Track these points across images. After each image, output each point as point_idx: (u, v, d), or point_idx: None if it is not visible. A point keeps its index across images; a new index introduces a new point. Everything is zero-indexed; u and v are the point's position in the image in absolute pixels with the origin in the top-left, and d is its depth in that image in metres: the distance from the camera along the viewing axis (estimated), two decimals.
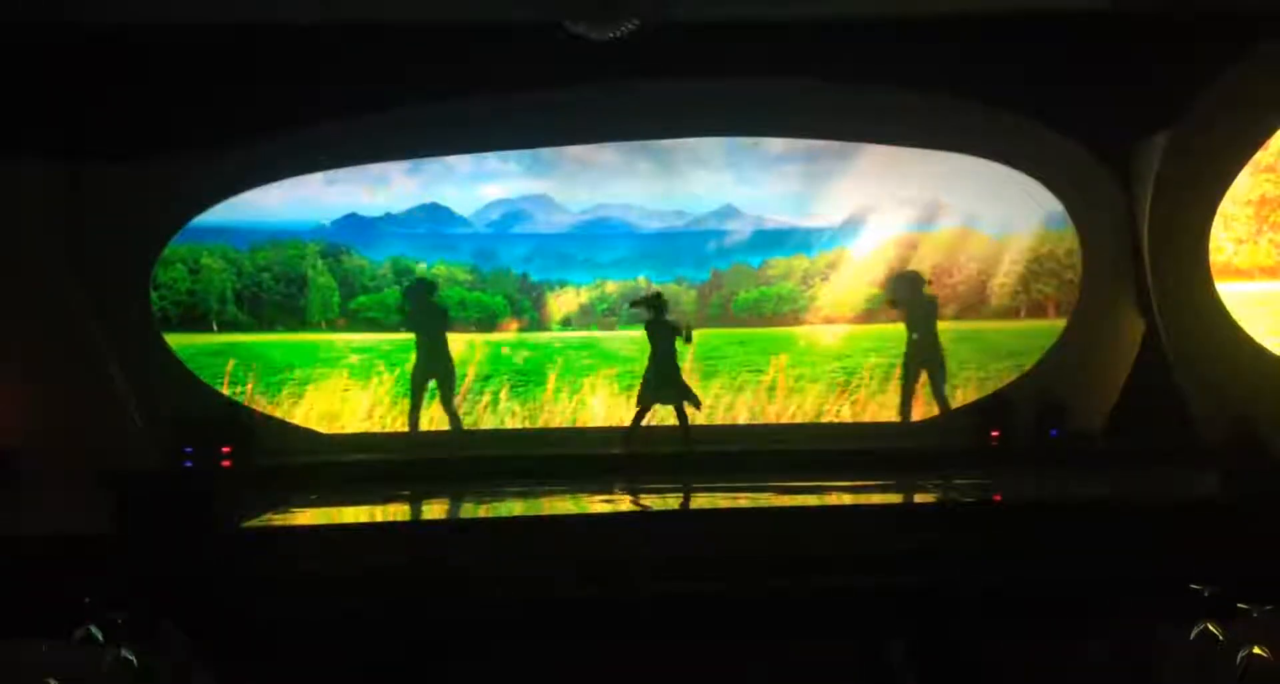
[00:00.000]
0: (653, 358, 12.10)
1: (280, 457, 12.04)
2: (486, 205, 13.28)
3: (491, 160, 13.11)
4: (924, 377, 13.10)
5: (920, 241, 13.26)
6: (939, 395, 13.03)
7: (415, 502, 10.65)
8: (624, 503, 10.33)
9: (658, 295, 12.32)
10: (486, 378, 13.08)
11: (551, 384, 13.10)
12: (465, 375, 13.01)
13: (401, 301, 12.94)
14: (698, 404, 12.28)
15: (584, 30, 10.21)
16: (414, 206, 13.11)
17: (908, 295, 13.08)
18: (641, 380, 12.23)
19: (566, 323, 13.27)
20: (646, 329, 12.18)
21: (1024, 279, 13.22)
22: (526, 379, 13.11)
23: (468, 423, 12.92)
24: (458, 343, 13.04)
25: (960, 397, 13.09)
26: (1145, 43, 11.30)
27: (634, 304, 12.47)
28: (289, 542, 8.58)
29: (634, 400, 12.29)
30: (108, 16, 10.77)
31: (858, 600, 7.50)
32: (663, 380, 12.08)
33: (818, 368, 13.23)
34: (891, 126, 12.45)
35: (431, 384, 12.83)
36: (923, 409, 13.11)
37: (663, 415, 12.37)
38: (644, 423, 12.20)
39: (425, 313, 12.93)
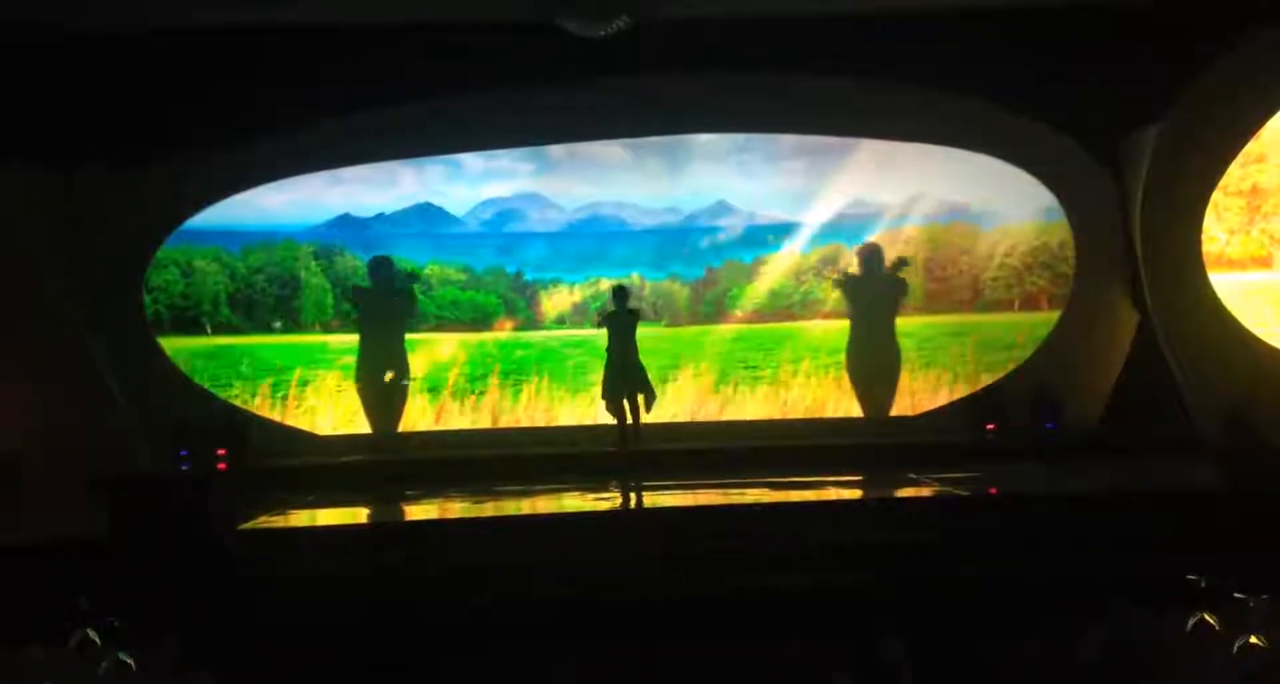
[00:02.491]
0: (613, 350, 12.11)
1: (275, 459, 12.03)
2: (479, 204, 13.28)
3: (484, 159, 13.10)
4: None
5: (913, 235, 13.26)
6: (887, 395, 12.98)
7: (411, 502, 10.64)
8: (619, 501, 10.33)
9: (620, 287, 12.31)
10: (480, 377, 13.08)
11: (545, 383, 13.10)
12: (446, 377, 13.00)
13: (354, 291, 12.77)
14: (651, 400, 12.28)
15: (576, 28, 10.21)
16: (407, 206, 13.10)
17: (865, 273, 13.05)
18: (611, 377, 12.19)
19: (561, 321, 13.26)
20: (608, 322, 12.14)
21: (1018, 272, 13.23)
22: (521, 378, 13.10)
23: (463, 423, 12.92)
24: (450, 343, 13.03)
25: (955, 390, 13.09)
26: (1136, 35, 11.31)
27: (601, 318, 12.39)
28: (285, 543, 8.58)
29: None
30: (102, 20, 10.76)
31: (854, 596, 7.50)
32: (623, 372, 12.06)
33: (812, 363, 13.23)
34: (885, 121, 12.45)
35: (385, 394, 12.67)
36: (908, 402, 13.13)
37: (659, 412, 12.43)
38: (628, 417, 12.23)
39: (380, 301, 12.79)
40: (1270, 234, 12.33)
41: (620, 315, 12.07)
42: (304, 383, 12.76)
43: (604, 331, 12.15)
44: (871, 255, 13.06)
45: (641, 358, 12.20)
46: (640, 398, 12.08)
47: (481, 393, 13.05)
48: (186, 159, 11.73)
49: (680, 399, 13.15)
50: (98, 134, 11.35)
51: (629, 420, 12.04)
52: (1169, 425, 11.63)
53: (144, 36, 10.97)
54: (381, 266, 12.77)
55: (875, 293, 13.06)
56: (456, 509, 10.28)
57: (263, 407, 12.65)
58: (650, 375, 12.33)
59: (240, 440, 11.93)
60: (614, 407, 12.10)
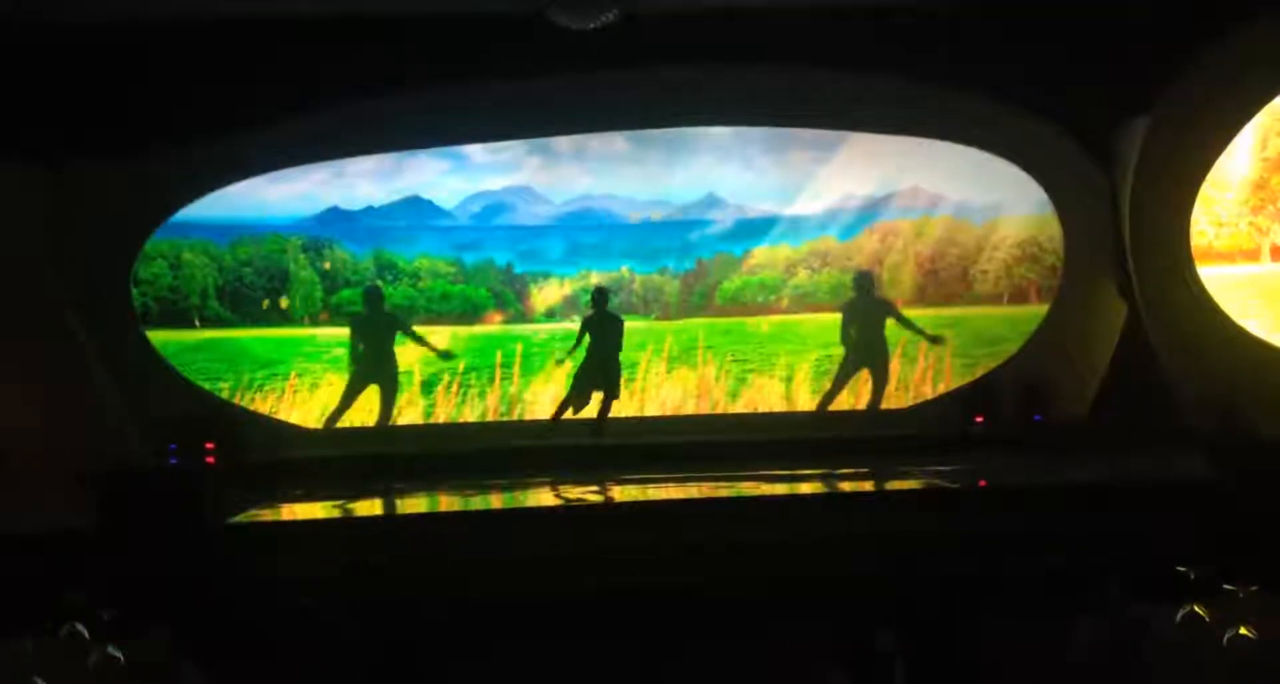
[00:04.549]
0: (593, 351, 12.13)
1: (265, 452, 12.00)
2: (469, 197, 13.24)
3: (474, 152, 13.06)
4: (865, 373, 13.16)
5: (903, 229, 13.29)
6: (876, 396, 13.05)
7: (400, 496, 10.63)
8: (610, 494, 10.34)
9: (601, 289, 12.31)
10: (470, 370, 13.06)
11: (535, 376, 13.10)
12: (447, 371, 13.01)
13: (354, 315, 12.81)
14: (614, 397, 12.36)
15: (566, 20, 10.18)
16: (396, 199, 13.07)
17: (858, 295, 13.13)
18: (583, 374, 12.25)
19: (551, 314, 13.25)
20: (587, 323, 12.16)
21: (1006, 265, 13.26)
22: (510, 371, 13.09)
23: (453, 416, 12.91)
24: (439, 337, 13.02)
25: (944, 383, 13.12)
26: (1126, 28, 11.32)
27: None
28: (275, 537, 8.57)
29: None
30: (89, 12, 10.70)
31: (845, 589, 7.51)
32: (598, 371, 12.10)
33: (801, 356, 13.23)
34: (874, 114, 12.46)
35: (373, 388, 12.73)
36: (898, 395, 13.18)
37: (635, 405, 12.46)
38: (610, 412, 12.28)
39: (372, 321, 12.81)
40: (1259, 227, 12.37)
41: (601, 318, 12.09)
42: (293, 376, 12.73)
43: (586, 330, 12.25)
44: (863, 280, 13.13)
45: (631, 350, 12.23)
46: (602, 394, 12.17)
47: (472, 386, 13.02)
48: (175, 151, 11.68)
49: (669, 392, 13.15)
50: (85, 127, 11.28)
51: (587, 412, 12.12)
52: (1157, 418, 11.65)
53: (132, 28, 10.91)
54: (372, 295, 12.83)
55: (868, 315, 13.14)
56: (446, 503, 10.29)
57: (252, 400, 12.62)
58: (640, 369, 12.35)
59: (229, 434, 11.91)
60: (578, 396, 12.13)
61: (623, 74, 11.82)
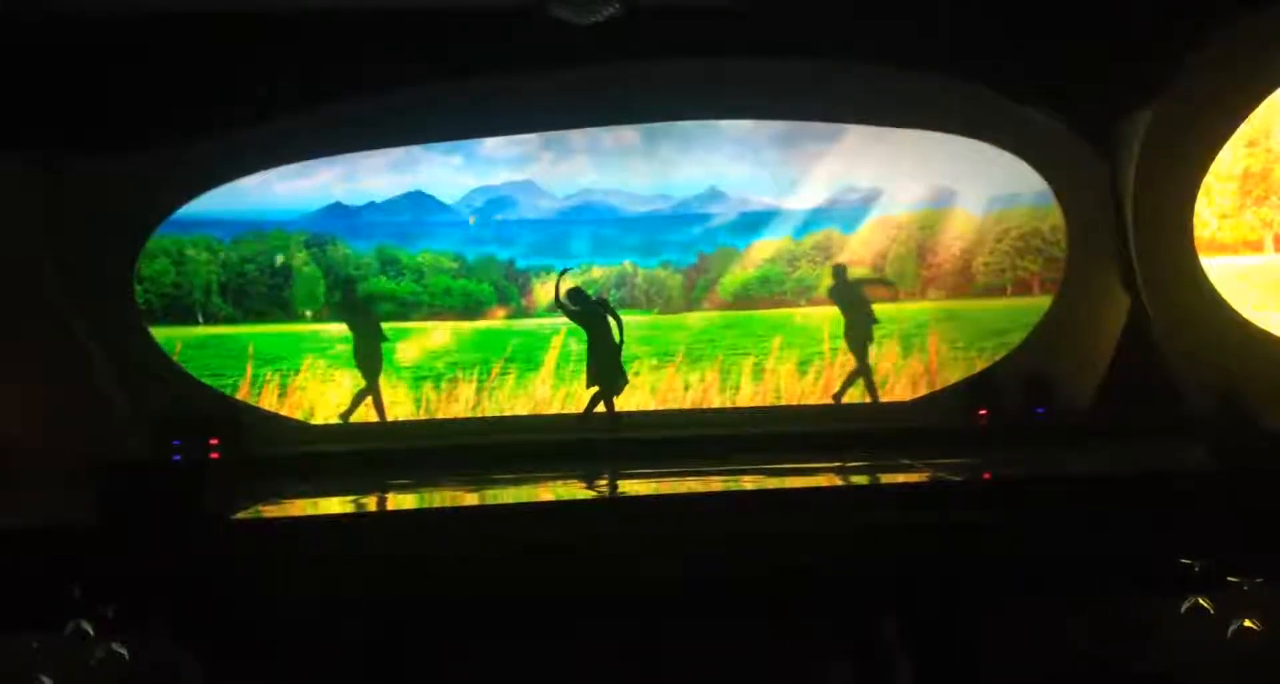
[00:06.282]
0: (595, 343, 12.23)
1: (268, 448, 12.00)
2: (471, 192, 13.23)
3: (476, 147, 13.06)
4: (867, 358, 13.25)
5: (906, 221, 13.27)
6: (845, 386, 13.12)
7: (404, 491, 10.62)
8: (612, 488, 10.33)
9: (576, 289, 12.43)
10: (472, 365, 13.06)
11: (537, 370, 13.10)
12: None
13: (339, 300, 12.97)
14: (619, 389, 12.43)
15: (568, 15, 10.18)
16: (398, 195, 13.06)
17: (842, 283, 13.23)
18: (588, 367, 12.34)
19: (553, 309, 13.22)
20: (577, 320, 12.28)
21: (1009, 257, 13.24)
22: (513, 365, 13.09)
23: (456, 411, 12.92)
24: (442, 332, 13.02)
25: (948, 375, 13.11)
26: (1129, 18, 11.30)
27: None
28: (279, 533, 8.56)
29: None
30: (91, 4, 10.70)
31: (849, 582, 7.50)
32: (604, 364, 12.15)
33: (804, 350, 13.23)
34: (875, 106, 12.44)
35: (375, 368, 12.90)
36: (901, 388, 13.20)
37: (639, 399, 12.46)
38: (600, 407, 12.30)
39: (352, 309, 12.97)
40: (1262, 218, 12.34)
41: (587, 311, 12.16)
42: (296, 371, 12.74)
43: (586, 322, 12.32)
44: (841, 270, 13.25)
45: (636, 345, 12.23)
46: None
47: (474, 381, 13.02)
48: (177, 147, 11.67)
49: (673, 386, 13.15)
50: (82, 124, 11.28)
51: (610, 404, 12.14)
52: (1161, 409, 11.64)
53: (133, 22, 10.90)
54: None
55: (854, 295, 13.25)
56: (449, 498, 10.28)
57: (255, 395, 12.63)
58: (644, 362, 12.38)
59: (232, 430, 11.91)
60: (610, 389, 12.16)
61: (623, 68, 11.81)
